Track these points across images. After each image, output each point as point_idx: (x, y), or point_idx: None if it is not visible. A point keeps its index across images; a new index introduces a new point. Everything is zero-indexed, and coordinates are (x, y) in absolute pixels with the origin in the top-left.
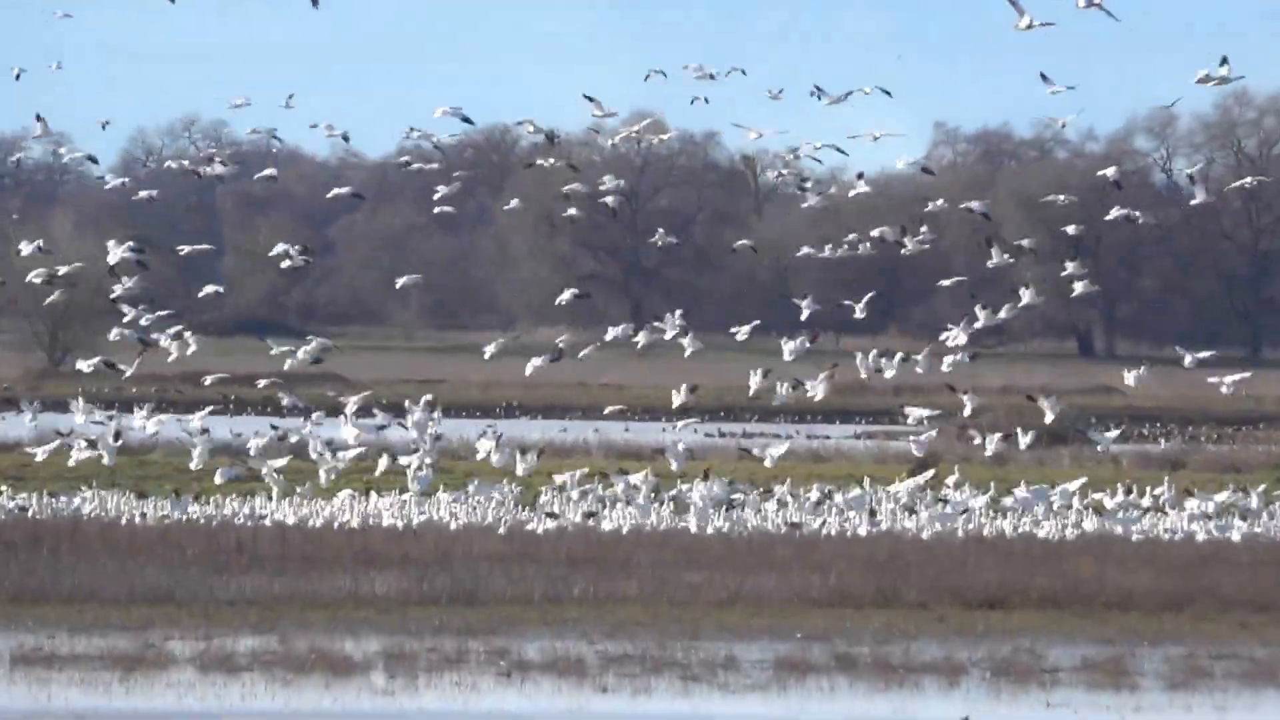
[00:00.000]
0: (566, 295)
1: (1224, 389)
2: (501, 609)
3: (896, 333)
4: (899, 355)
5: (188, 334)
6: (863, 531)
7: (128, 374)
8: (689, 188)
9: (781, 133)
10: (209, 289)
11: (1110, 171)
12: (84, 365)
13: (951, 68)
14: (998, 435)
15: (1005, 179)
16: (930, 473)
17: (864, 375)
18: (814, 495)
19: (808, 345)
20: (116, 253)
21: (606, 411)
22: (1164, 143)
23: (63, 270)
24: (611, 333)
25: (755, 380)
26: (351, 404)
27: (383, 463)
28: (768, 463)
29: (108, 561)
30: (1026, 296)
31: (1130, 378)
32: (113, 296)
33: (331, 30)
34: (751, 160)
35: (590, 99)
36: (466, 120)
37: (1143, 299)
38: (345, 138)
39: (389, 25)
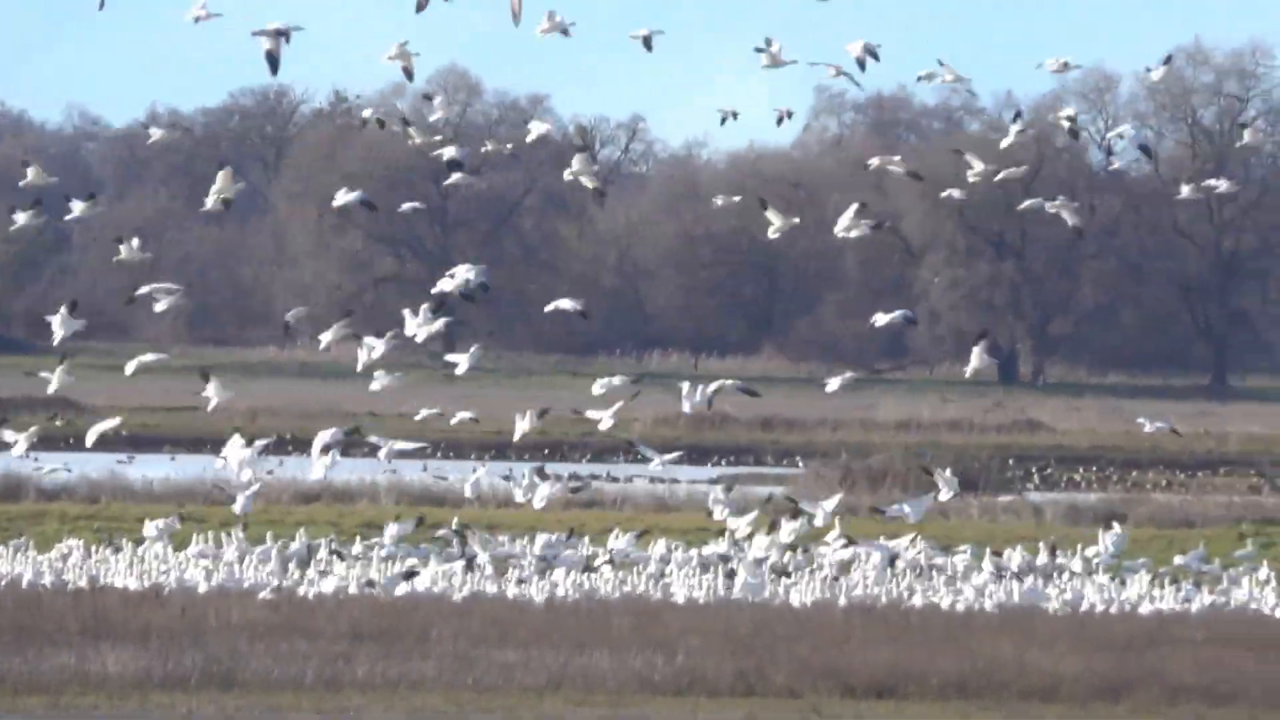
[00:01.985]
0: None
1: (1148, 428)
2: (265, 695)
3: (773, 352)
4: (716, 386)
5: None
6: (720, 598)
7: None
8: (512, 167)
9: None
10: None
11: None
12: None
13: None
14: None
15: (904, 158)
16: (793, 525)
17: (687, 409)
18: (658, 552)
19: (633, 389)
20: None
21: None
22: (1101, 112)
23: None
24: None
25: (524, 423)
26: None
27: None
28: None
29: None
30: (975, 359)
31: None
32: None
33: None
34: (588, 132)
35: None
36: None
37: (1081, 313)
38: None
39: None
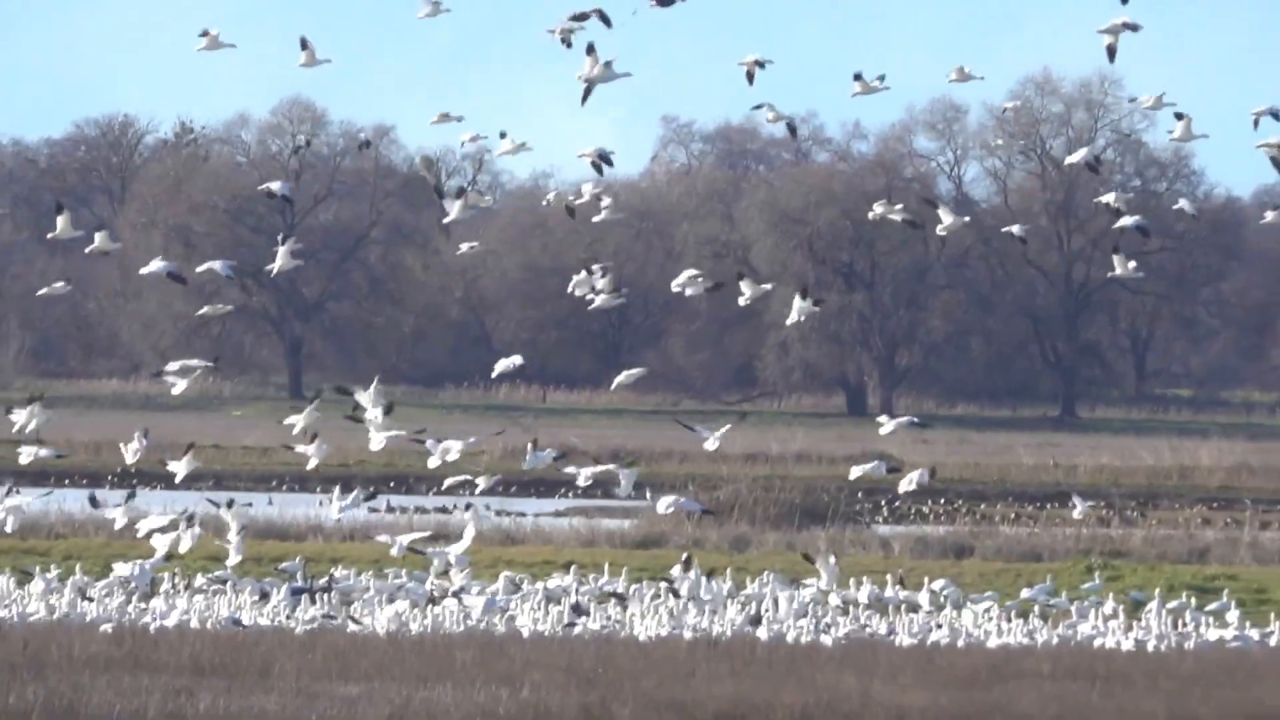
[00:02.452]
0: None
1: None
2: None
3: (621, 386)
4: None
5: None
6: (564, 632)
7: None
8: (358, 198)
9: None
10: None
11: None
12: None
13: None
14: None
15: (752, 189)
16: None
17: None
18: (499, 585)
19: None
20: None
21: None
22: (950, 142)
23: None
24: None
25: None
26: None
27: None
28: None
29: None
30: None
31: (889, 425)
32: None
33: None
34: (434, 163)
35: None
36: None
37: (929, 344)
38: None
39: None
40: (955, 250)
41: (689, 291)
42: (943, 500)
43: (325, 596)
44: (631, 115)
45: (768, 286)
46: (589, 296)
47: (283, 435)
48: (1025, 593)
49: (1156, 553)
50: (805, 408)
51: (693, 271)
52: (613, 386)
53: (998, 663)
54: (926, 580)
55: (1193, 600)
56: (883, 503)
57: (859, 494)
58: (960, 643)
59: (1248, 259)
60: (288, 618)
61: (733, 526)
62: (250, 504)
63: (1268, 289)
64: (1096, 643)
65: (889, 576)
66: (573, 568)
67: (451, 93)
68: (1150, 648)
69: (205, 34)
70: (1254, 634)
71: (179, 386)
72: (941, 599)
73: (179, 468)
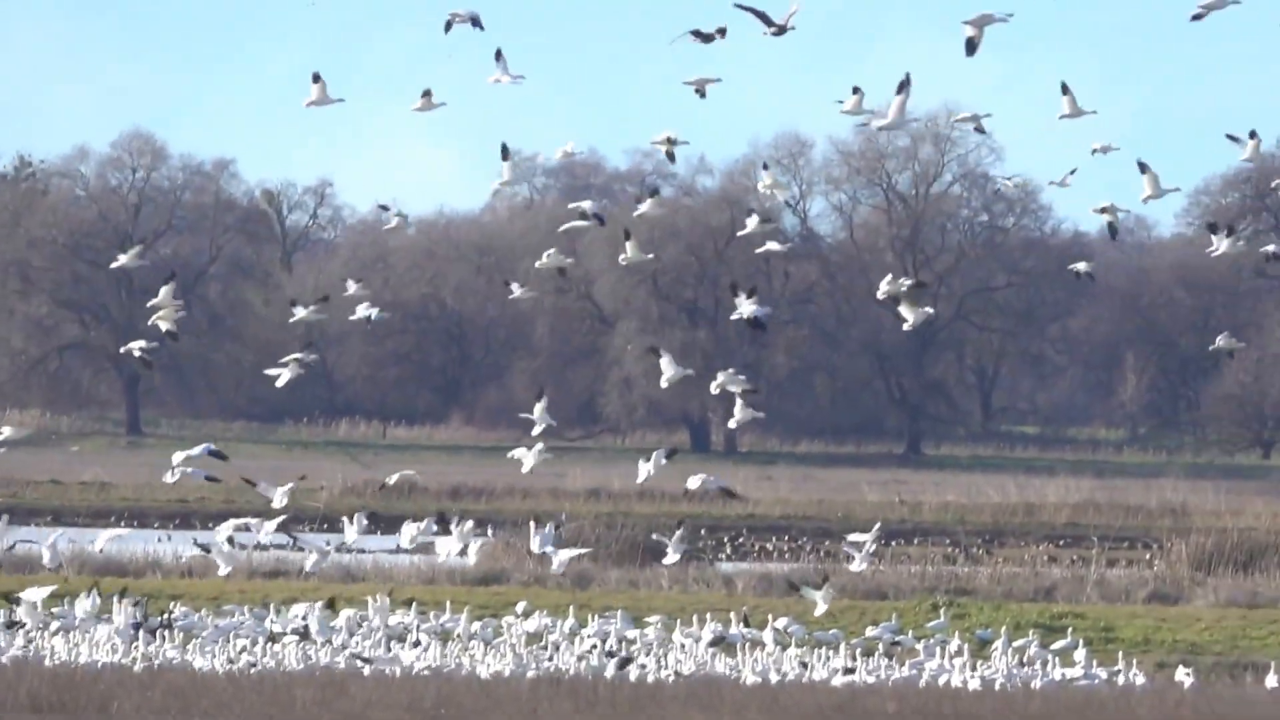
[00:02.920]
0: None
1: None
2: None
3: (461, 421)
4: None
5: None
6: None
7: None
8: (198, 232)
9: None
10: None
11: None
12: None
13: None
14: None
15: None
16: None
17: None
18: (340, 622)
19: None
20: None
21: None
22: (795, 177)
23: None
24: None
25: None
26: None
27: None
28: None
29: None
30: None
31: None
32: None
33: None
34: (275, 197)
35: None
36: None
37: (774, 380)
38: None
39: None
40: (800, 286)
41: (732, 389)
42: (787, 537)
43: (166, 633)
44: (472, 149)
45: (742, 381)
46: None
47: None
48: (871, 630)
49: (1003, 591)
50: (649, 444)
51: (731, 371)
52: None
53: (843, 701)
54: (770, 618)
55: (1038, 638)
56: (726, 539)
57: (701, 531)
58: (805, 680)
59: (1095, 295)
60: (126, 654)
61: (575, 564)
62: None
63: (1114, 325)
64: (942, 681)
65: (733, 614)
66: (414, 605)
67: (293, 126)
68: (997, 686)
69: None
70: (1101, 673)
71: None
72: (787, 636)
73: None
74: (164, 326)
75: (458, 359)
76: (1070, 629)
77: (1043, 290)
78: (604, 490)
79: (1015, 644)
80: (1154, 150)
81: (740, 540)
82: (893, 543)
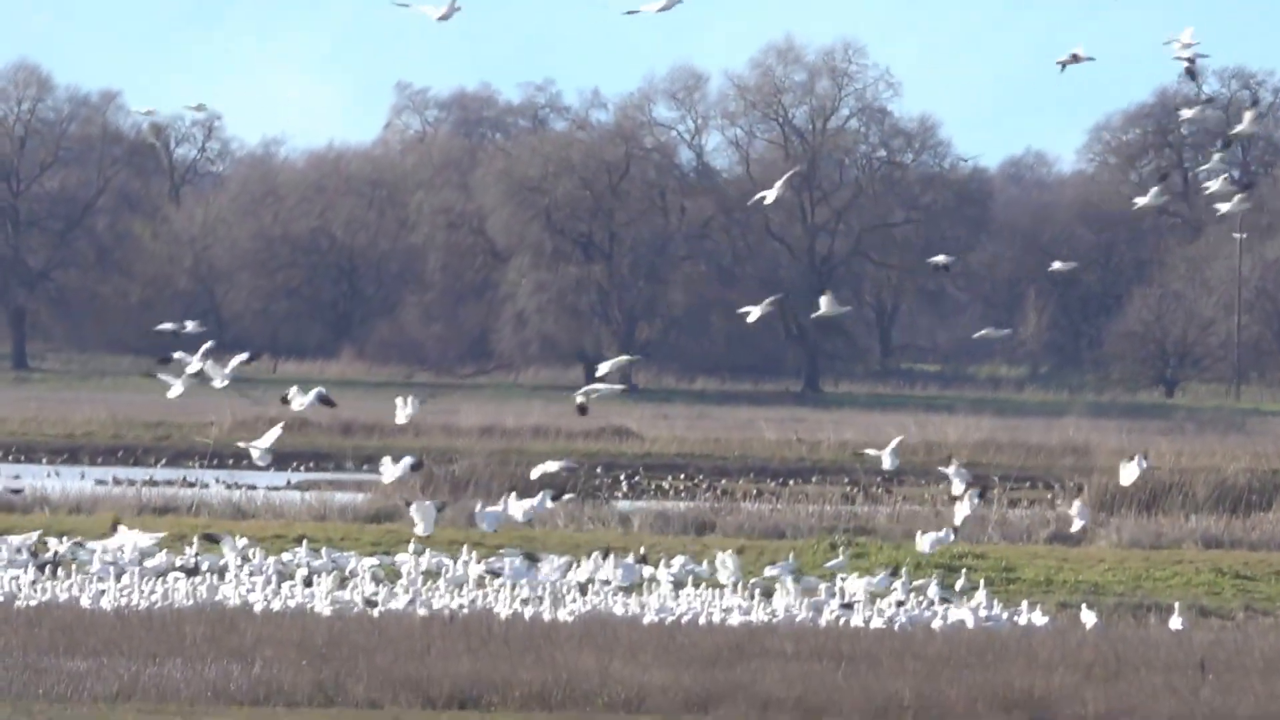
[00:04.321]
0: None
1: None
2: None
3: (352, 356)
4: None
5: None
6: (295, 607)
7: None
8: (85, 165)
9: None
10: None
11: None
12: None
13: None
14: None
15: (489, 157)
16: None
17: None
18: (230, 559)
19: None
20: None
21: None
22: (690, 111)
23: None
24: None
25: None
26: None
27: None
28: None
29: None
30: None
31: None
32: None
33: None
34: (162, 130)
35: None
36: None
37: (669, 317)
38: None
39: None
40: (695, 222)
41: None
42: (684, 475)
43: (56, 569)
44: (363, 82)
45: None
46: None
47: (5, 405)
48: (768, 570)
49: (903, 530)
50: (543, 380)
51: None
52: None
53: (741, 641)
54: (664, 556)
55: (938, 578)
56: (622, 477)
57: (598, 469)
58: (702, 620)
59: (996, 231)
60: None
61: (468, 502)
62: None
63: (1015, 262)
64: (841, 621)
65: (630, 553)
66: (304, 542)
67: (181, 57)
68: (897, 627)
69: None
70: (1002, 613)
71: None
72: (683, 575)
73: None
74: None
75: (348, 294)
76: (965, 570)
77: (942, 226)
78: (497, 428)
79: (915, 584)
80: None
81: (636, 478)
82: (790, 481)
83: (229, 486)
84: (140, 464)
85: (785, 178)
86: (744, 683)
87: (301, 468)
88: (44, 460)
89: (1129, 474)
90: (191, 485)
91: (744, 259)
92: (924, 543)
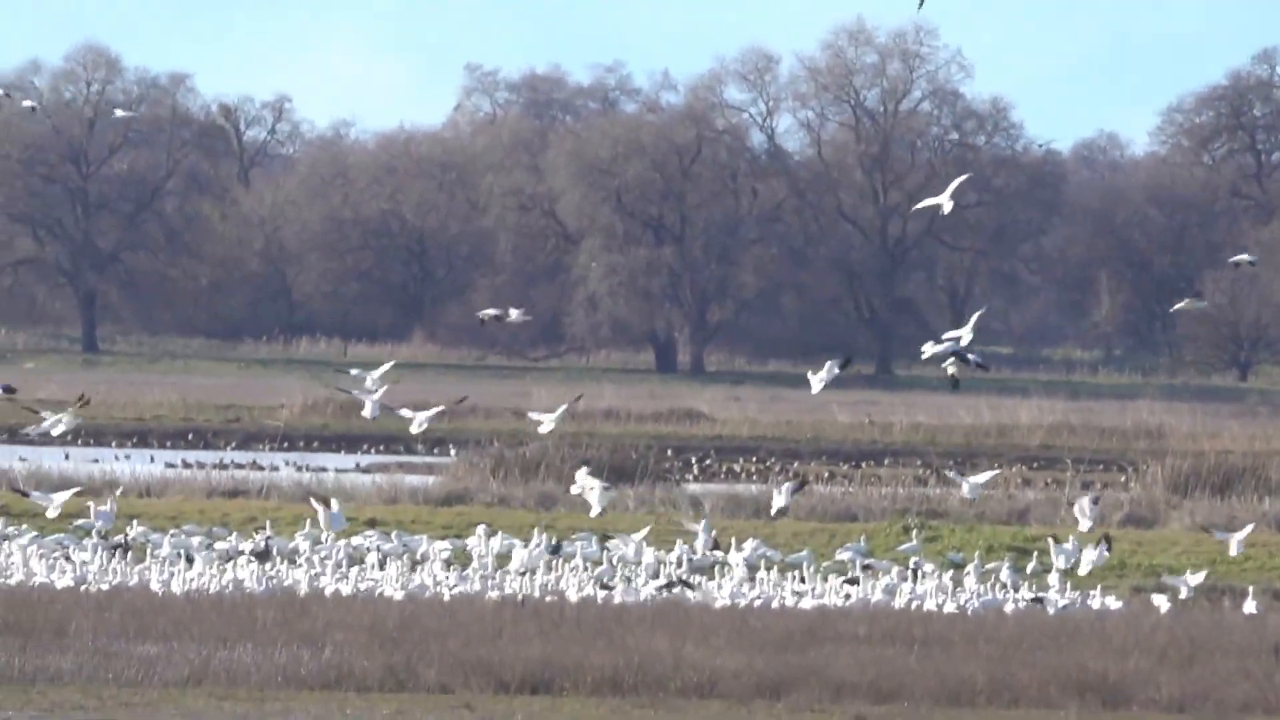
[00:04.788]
0: None
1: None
2: None
3: (424, 339)
4: None
5: None
6: (369, 591)
7: None
8: (155, 147)
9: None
10: None
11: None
12: None
13: None
14: None
15: (559, 139)
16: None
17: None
18: (300, 543)
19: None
20: None
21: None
22: (762, 93)
23: None
24: None
25: None
26: None
27: None
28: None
29: None
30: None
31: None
32: None
33: None
34: (233, 112)
35: None
36: None
37: (741, 299)
38: None
39: None
40: (767, 204)
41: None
42: (755, 458)
43: (126, 553)
44: (433, 63)
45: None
46: None
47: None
48: (840, 553)
49: (975, 513)
50: (614, 363)
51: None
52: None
53: (813, 625)
54: (734, 540)
55: (1011, 562)
56: (693, 460)
57: (668, 451)
58: (775, 604)
59: (1068, 214)
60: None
61: (539, 484)
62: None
63: (1088, 245)
64: (914, 604)
65: (701, 536)
66: (374, 525)
67: (250, 40)
68: (970, 611)
69: None
70: (1075, 597)
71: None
72: (758, 558)
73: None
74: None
75: (419, 276)
76: (1040, 552)
77: (1014, 209)
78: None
79: (988, 567)
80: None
81: (708, 461)
82: (863, 464)
83: (299, 469)
84: (210, 447)
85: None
86: (816, 667)
87: (372, 450)
88: (113, 444)
89: (1083, 520)
90: (261, 468)
91: (815, 241)
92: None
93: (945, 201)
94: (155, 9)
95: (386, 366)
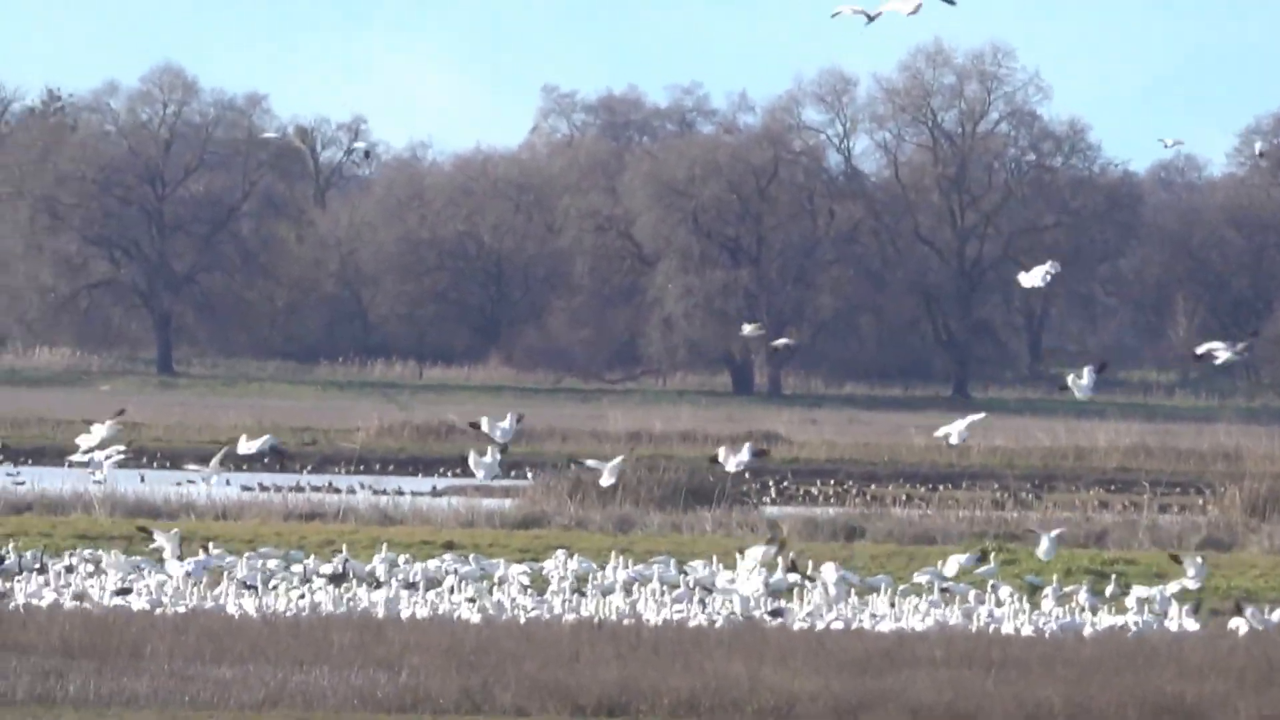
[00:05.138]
0: None
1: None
2: None
3: (500, 361)
4: None
5: None
6: (446, 614)
7: None
8: (231, 169)
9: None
10: None
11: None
12: None
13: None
14: None
15: (635, 160)
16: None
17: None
18: (377, 567)
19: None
20: None
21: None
22: (839, 114)
23: None
24: None
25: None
26: None
27: None
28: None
29: None
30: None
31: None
32: None
33: None
34: (309, 134)
35: None
36: None
37: (818, 322)
38: None
39: None
40: (844, 226)
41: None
42: (833, 481)
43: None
44: (510, 85)
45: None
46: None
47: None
48: (918, 576)
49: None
50: (690, 386)
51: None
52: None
53: (890, 648)
54: (810, 564)
55: (1089, 584)
56: (770, 482)
57: (746, 474)
58: (853, 626)
59: (1145, 235)
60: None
61: (616, 507)
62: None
63: (1164, 267)
64: (992, 628)
65: (778, 559)
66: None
67: (326, 61)
68: (1048, 633)
69: None
70: (1152, 619)
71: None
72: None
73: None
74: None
75: (495, 298)
76: (1119, 575)
77: (1091, 230)
78: (645, 433)
79: (1066, 590)
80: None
81: (785, 483)
82: (940, 487)
83: (376, 492)
84: (286, 469)
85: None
86: (894, 690)
87: (448, 473)
88: (190, 466)
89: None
90: (338, 491)
91: (893, 263)
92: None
93: (1038, 281)
94: (232, 30)
95: (513, 420)
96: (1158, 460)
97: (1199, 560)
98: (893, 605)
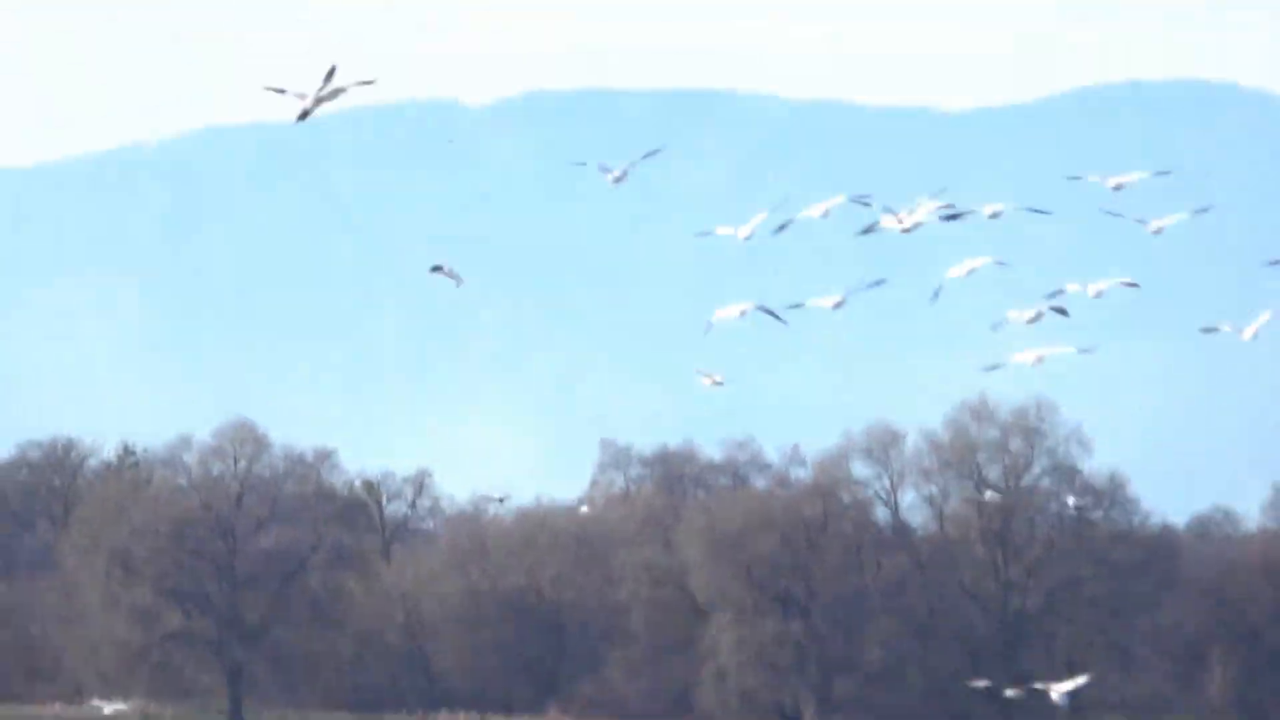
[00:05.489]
0: None
1: None
2: None
3: (558, 712)
4: None
5: None
6: None
7: None
8: (299, 522)
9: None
10: None
11: None
12: None
13: (621, 375)
14: None
15: (691, 513)
16: None
17: None
18: None
19: None
20: None
21: None
22: (887, 469)
23: None
24: None
25: None
26: None
27: None
28: None
29: None
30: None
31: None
32: None
33: None
34: (375, 487)
35: None
36: None
37: (867, 671)
38: None
39: None
40: (891, 578)
41: None
42: None
43: None
44: (569, 438)
45: None
46: None
47: None
48: None
49: None
50: None
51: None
52: None
53: None
54: None
55: None
56: None
57: None
58: None
59: (1182, 588)
60: None
61: None
62: None
63: (1200, 619)
64: None
65: None
66: None
67: (391, 418)
68: None
69: None
70: None
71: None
72: None
73: None
74: None
75: (555, 649)
76: None
77: (1129, 583)
78: None
79: None
80: (1245, 442)
81: None
82: None
83: None
84: None
85: None
86: None
87: None
88: None
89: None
90: None
91: (939, 615)
92: None
93: (1060, 696)
94: (301, 388)
95: None
96: None
97: None
98: None
